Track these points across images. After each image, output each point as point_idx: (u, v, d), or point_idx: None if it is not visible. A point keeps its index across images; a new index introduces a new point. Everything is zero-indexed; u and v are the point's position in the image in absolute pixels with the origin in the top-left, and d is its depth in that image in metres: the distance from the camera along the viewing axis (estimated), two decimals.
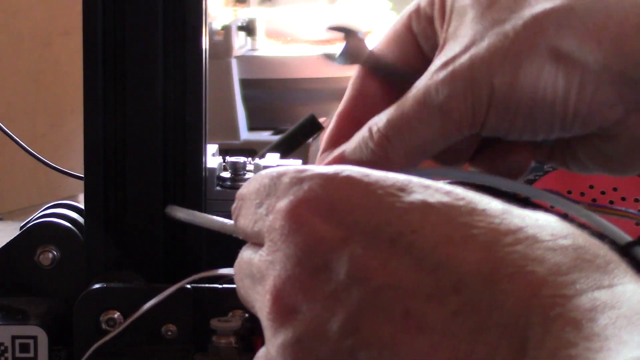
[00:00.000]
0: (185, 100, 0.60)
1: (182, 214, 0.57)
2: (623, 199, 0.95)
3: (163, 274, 0.60)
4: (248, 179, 0.62)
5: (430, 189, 0.42)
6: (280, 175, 0.44)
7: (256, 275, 0.43)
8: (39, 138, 1.56)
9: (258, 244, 0.44)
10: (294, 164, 0.65)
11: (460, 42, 0.52)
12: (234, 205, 0.47)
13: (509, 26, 0.51)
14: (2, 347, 0.57)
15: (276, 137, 1.54)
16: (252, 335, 0.54)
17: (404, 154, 0.52)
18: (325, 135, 0.58)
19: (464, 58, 0.51)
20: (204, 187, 0.60)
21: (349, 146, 0.54)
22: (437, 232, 0.40)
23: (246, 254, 0.45)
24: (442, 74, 0.52)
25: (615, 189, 0.92)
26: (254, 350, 0.54)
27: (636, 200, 0.95)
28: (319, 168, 0.43)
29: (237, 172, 0.62)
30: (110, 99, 0.60)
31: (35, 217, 0.63)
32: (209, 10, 0.60)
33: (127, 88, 0.59)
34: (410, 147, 0.52)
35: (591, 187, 0.91)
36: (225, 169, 0.63)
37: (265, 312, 0.42)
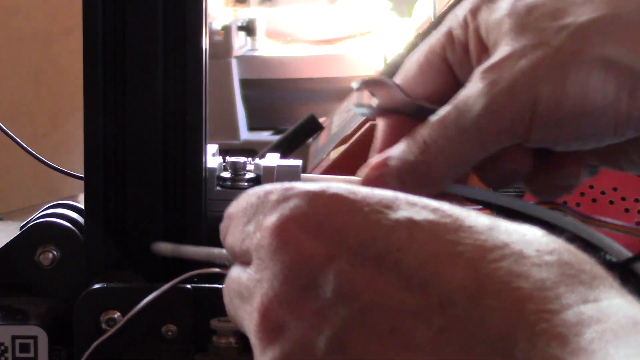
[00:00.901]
0: (185, 100, 0.60)
1: (167, 249, 0.57)
2: (623, 199, 0.95)
3: (163, 274, 0.60)
4: (248, 179, 0.62)
5: (417, 206, 0.42)
6: (267, 193, 0.44)
7: (244, 293, 0.43)
8: (39, 138, 1.56)
9: (246, 262, 0.44)
10: (293, 162, 0.65)
11: (500, 53, 0.52)
12: (222, 224, 0.47)
13: (552, 36, 0.52)
14: (2, 347, 0.57)
15: (276, 137, 1.54)
16: None
17: (444, 162, 0.53)
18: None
19: (505, 68, 0.52)
20: (204, 187, 0.60)
21: (394, 152, 0.54)
22: (423, 250, 0.40)
23: (235, 272, 0.45)
24: (481, 85, 0.52)
25: (615, 189, 0.92)
26: (253, 351, 0.54)
27: (636, 200, 0.95)
28: (306, 185, 0.43)
29: (237, 172, 0.62)
30: (110, 99, 0.60)
31: (35, 217, 0.63)
32: (209, 10, 0.60)
33: (127, 88, 0.60)
34: (450, 156, 0.53)
35: (591, 187, 0.91)
36: (225, 169, 0.63)
37: (253, 330, 0.42)
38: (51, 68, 1.68)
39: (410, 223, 0.41)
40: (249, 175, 0.62)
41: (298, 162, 0.65)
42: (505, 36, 0.53)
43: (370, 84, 0.57)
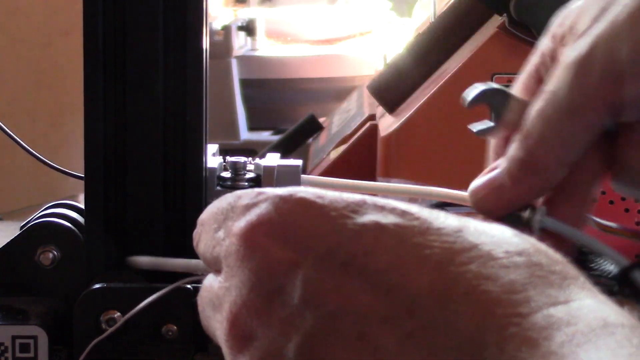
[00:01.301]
0: (185, 100, 0.60)
1: (145, 262, 0.57)
2: (623, 199, 0.95)
3: (163, 274, 0.60)
4: (248, 179, 0.62)
5: (385, 209, 0.42)
6: (238, 198, 0.44)
7: (215, 302, 0.43)
8: (39, 138, 1.56)
9: (218, 270, 0.44)
10: (294, 162, 0.65)
11: (579, 30, 0.53)
12: (195, 231, 0.46)
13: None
14: (2, 347, 0.57)
15: (276, 137, 1.54)
16: None
17: (549, 149, 0.53)
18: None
19: (582, 40, 0.52)
20: (204, 187, 0.60)
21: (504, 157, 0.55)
22: (389, 254, 0.40)
23: (207, 281, 0.45)
24: (564, 63, 0.52)
25: None
26: None
27: (636, 200, 0.95)
28: (276, 190, 0.43)
29: (238, 172, 0.62)
30: (110, 99, 0.60)
31: (35, 217, 0.63)
32: (209, 10, 0.60)
33: (127, 88, 0.60)
34: (553, 141, 0.53)
35: None
36: (225, 169, 0.63)
37: (224, 339, 0.42)
38: (51, 68, 1.68)
39: (377, 227, 0.41)
40: (249, 175, 0.62)
41: (298, 162, 0.65)
42: (582, 20, 0.53)
43: (483, 96, 0.55)
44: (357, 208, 0.42)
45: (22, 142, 0.70)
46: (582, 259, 0.63)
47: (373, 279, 0.40)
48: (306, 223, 0.41)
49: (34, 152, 0.70)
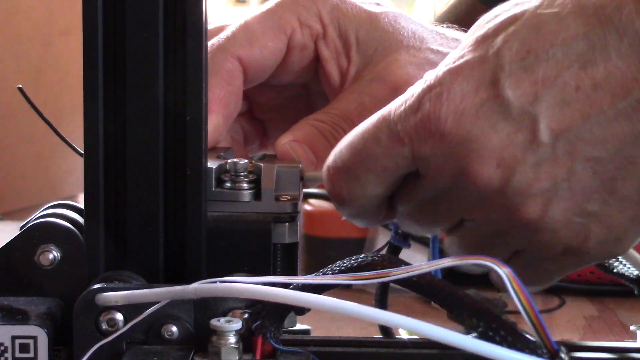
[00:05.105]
0: (185, 100, 0.60)
1: (117, 297, 0.55)
2: None
3: (163, 274, 0.60)
4: (248, 180, 0.62)
5: None
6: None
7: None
8: (39, 138, 1.56)
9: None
10: (293, 163, 0.65)
11: None
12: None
13: None
14: (2, 347, 0.57)
15: None
16: (251, 335, 0.54)
17: None
18: None
19: None
20: (204, 187, 0.60)
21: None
22: None
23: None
24: None
25: None
26: (253, 350, 0.54)
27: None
28: None
29: (238, 172, 0.62)
30: (110, 99, 0.60)
31: (35, 217, 0.63)
32: (209, 10, 0.60)
33: (127, 88, 0.60)
34: None
35: None
36: (225, 170, 0.63)
37: None
38: (51, 68, 1.68)
39: None
40: (251, 176, 0.62)
41: (298, 163, 0.65)
42: None
43: None
44: None
45: (66, 138, 0.69)
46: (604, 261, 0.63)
47: None
48: None
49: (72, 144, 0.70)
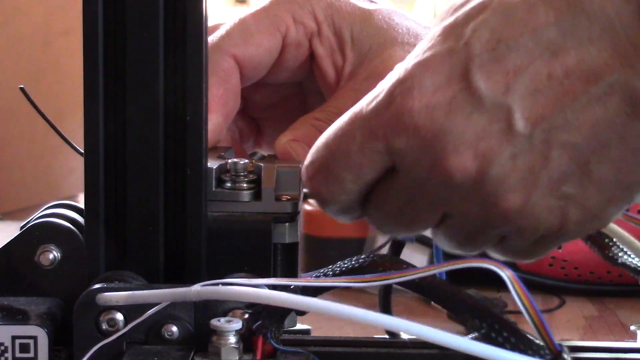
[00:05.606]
0: (185, 100, 0.60)
1: (118, 297, 0.55)
2: None
3: (163, 274, 0.60)
4: (248, 180, 0.62)
5: None
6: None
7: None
8: (39, 138, 1.56)
9: None
10: (293, 163, 0.65)
11: None
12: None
13: None
14: (2, 347, 0.57)
15: None
16: (252, 335, 0.54)
17: None
18: None
19: None
20: (204, 187, 0.60)
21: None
22: None
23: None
24: None
25: None
26: (254, 351, 0.54)
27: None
28: None
29: (238, 172, 0.62)
30: (110, 99, 0.60)
31: (35, 217, 0.63)
32: (209, 10, 0.60)
33: (127, 88, 0.59)
34: None
35: None
36: (225, 169, 0.63)
37: None
38: (51, 68, 1.68)
39: None
40: (251, 176, 0.62)
41: (298, 163, 0.65)
42: None
43: None
44: None
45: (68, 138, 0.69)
46: (607, 250, 0.63)
47: None
48: None
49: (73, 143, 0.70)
